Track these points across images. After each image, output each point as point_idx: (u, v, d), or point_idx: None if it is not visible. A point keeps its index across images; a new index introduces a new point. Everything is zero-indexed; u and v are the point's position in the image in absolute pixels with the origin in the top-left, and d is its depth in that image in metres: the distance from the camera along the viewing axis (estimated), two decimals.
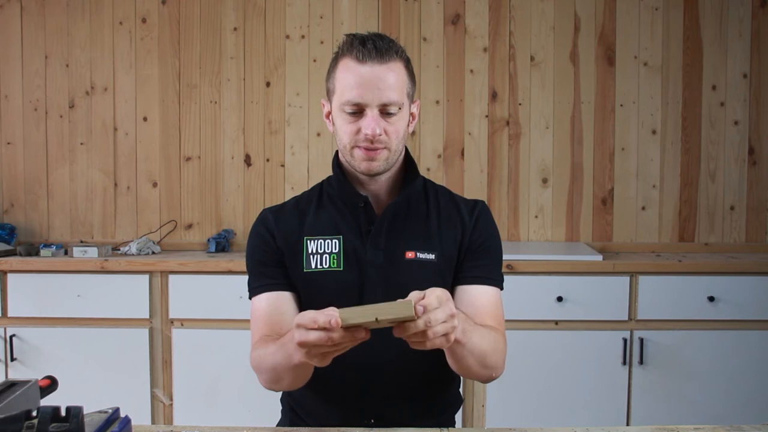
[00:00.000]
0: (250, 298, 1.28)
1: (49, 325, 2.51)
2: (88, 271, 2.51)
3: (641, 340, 2.43)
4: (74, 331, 2.50)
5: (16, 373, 2.49)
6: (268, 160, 2.90)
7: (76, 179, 2.92)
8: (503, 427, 1.52)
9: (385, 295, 1.17)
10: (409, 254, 1.24)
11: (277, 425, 1.38)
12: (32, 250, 2.63)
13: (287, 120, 2.90)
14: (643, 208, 2.87)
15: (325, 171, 1.34)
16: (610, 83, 2.85)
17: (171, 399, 2.53)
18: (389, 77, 1.17)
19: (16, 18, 2.90)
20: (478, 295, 1.25)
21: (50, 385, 1.00)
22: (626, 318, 2.44)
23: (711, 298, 2.43)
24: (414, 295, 0.94)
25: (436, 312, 0.92)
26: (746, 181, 2.85)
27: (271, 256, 1.27)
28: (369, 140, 1.18)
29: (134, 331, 2.51)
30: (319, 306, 0.97)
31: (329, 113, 1.26)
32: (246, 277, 1.30)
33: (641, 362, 2.43)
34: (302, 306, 1.24)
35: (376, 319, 0.90)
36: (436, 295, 0.94)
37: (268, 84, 2.89)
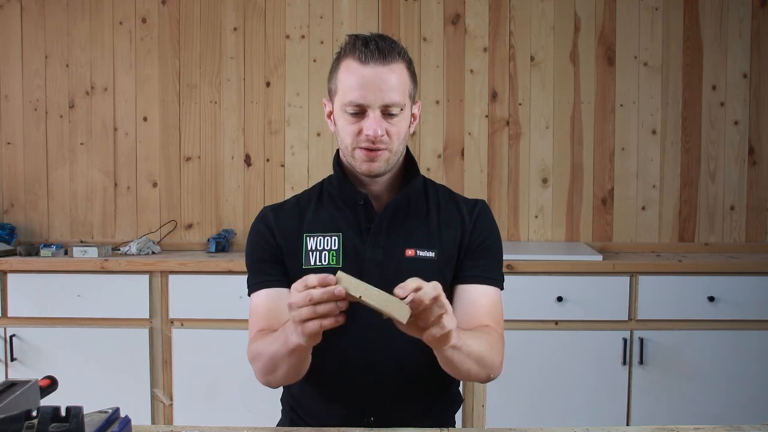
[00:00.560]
0: (249, 294, 1.28)
1: (49, 325, 2.51)
2: (88, 271, 2.51)
3: (641, 340, 2.43)
4: (74, 331, 2.50)
5: (16, 373, 2.48)
6: (268, 160, 2.90)
7: (76, 179, 2.92)
8: (503, 427, 1.52)
9: None
10: (409, 252, 1.24)
11: (277, 425, 1.38)
12: (32, 250, 2.63)
13: (287, 120, 2.90)
14: (643, 208, 2.87)
15: (325, 171, 1.34)
16: (610, 83, 2.85)
17: (171, 399, 2.53)
18: (391, 78, 1.18)
19: (16, 18, 2.90)
20: (477, 294, 1.25)
21: (50, 385, 1.00)
22: (626, 318, 2.44)
23: (711, 298, 2.43)
24: (411, 283, 0.95)
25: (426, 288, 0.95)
26: (746, 181, 2.85)
27: (271, 253, 1.27)
28: (370, 141, 1.18)
29: (134, 331, 2.51)
30: None
31: (331, 113, 1.26)
32: (246, 277, 1.30)
33: (641, 362, 2.43)
34: None
35: (368, 301, 0.92)
36: (432, 285, 0.96)
37: (268, 84, 2.89)
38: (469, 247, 1.27)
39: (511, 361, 2.45)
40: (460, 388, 1.45)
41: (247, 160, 2.91)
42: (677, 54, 2.84)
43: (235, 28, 2.89)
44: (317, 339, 1.01)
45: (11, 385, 0.93)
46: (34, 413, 0.81)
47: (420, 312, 0.95)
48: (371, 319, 1.07)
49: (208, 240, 2.80)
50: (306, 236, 1.26)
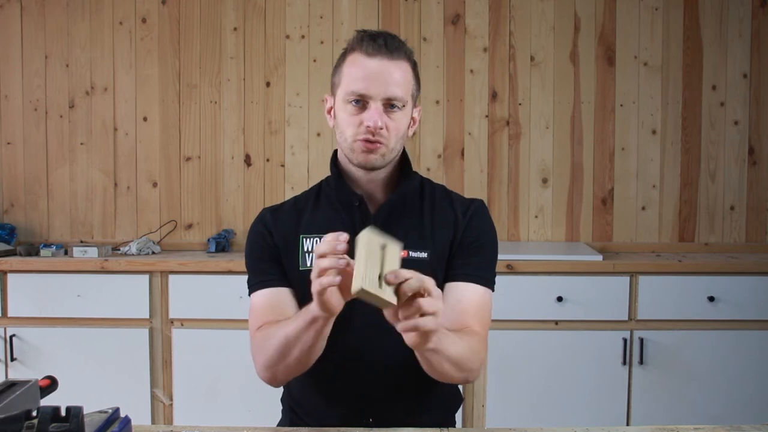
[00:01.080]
0: (249, 294, 1.28)
1: (49, 325, 2.51)
2: (88, 271, 2.51)
3: (641, 340, 2.43)
4: (74, 331, 2.50)
5: (16, 373, 2.48)
6: (268, 160, 2.90)
7: (76, 179, 2.92)
8: (503, 427, 1.52)
9: None
10: (402, 253, 1.24)
11: (277, 425, 1.38)
12: (32, 250, 2.63)
13: (287, 120, 2.89)
14: (643, 208, 2.87)
15: (325, 171, 1.34)
16: (610, 83, 2.85)
17: (171, 399, 2.53)
18: (396, 73, 1.19)
19: (16, 18, 2.90)
20: (465, 293, 1.23)
21: (50, 385, 1.00)
22: (626, 318, 2.44)
23: (711, 298, 2.43)
24: (404, 273, 0.95)
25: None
26: (746, 181, 2.85)
27: (269, 253, 1.27)
28: (370, 132, 1.18)
29: (134, 331, 2.51)
30: None
31: (331, 108, 1.27)
32: (246, 277, 1.30)
33: (641, 362, 2.43)
34: (300, 304, 1.24)
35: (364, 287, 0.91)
36: (422, 277, 0.95)
37: (268, 84, 2.89)
38: (461, 244, 1.26)
39: (511, 361, 2.46)
40: (460, 388, 1.45)
41: (247, 160, 2.91)
42: (677, 54, 2.84)
43: (235, 28, 2.89)
44: (330, 308, 1.00)
45: (11, 385, 0.93)
46: (34, 413, 0.81)
47: (404, 303, 0.94)
48: (371, 319, 1.07)
49: (208, 240, 2.81)
50: (303, 237, 1.26)
